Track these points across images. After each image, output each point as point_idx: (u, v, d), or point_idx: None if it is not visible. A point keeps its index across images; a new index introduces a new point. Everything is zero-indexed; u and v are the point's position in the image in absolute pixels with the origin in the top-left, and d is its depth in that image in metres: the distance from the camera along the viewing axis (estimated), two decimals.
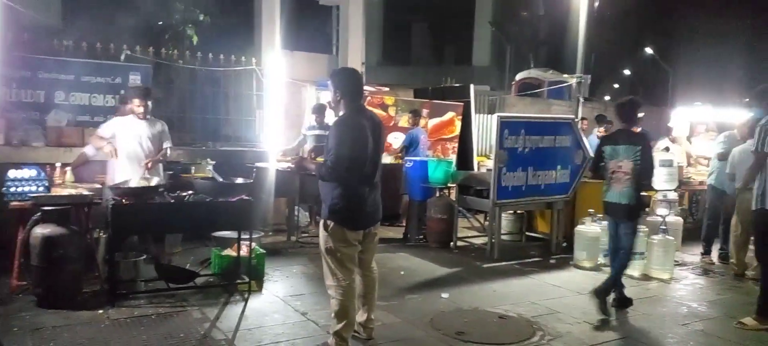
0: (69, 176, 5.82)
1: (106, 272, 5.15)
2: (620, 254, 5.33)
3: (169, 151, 6.08)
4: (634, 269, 6.40)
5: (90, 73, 7.58)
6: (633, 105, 5.44)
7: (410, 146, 8.56)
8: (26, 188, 5.22)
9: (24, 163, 5.59)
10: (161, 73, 8.42)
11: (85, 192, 5.34)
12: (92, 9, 9.28)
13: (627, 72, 29.34)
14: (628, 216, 5.25)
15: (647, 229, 6.63)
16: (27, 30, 7.35)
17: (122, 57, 7.83)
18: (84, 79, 7.55)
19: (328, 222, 3.93)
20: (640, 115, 5.60)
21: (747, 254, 6.66)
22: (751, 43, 20.50)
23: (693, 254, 7.49)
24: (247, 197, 5.39)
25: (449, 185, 7.97)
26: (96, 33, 8.03)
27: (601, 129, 9.51)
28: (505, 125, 6.96)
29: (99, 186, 5.73)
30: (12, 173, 5.26)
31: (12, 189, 5.20)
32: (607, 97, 24.61)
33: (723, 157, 6.93)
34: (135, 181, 5.41)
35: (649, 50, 26.19)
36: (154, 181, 5.47)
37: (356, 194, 3.91)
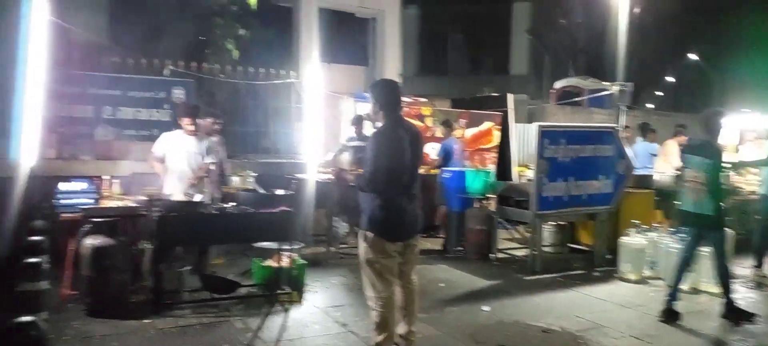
0: (116, 188, 6.00)
1: (152, 282, 5.27)
2: (716, 266, 5.33)
3: (213, 167, 6.22)
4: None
5: (136, 88, 7.80)
6: (715, 116, 5.37)
7: (446, 157, 8.51)
8: (77, 200, 5.41)
9: (74, 176, 5.78)
10: (203, 87, 8.61)
11: (133, 204, 5.49)
12: (138, 27, 9.58)
13: (671, 79, 28.57)
14: (713, 226, 5.22)
15: None
16: (77, 47, 7.62)
17: (166, 72, 8.03)
18: (130, 94, 7.77)
19: (368, 233, 3.93)
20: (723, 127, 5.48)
21: None
22: None
23: (744, 267, 7.21)
24: (287, 208, 5.44)
25: (488, 195, 7.89)
26: (141, 49, 8.28)
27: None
28: (545, 135, 6.87)
29: (145, 198, 5.87)
30: (63, 186, 5.45)
31: (63, 201, 5.39)
32: (650, 105, 24.02)
33: None
34: (178, 195, 5.55)
35: (694, 56, 25.51)
36: (197, 197, 5.58)
37: (395, 205, 3.90)
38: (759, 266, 7.03)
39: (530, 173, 8.06)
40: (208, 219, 5.24)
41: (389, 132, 3.93)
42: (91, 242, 4.93)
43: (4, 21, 6.35)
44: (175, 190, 5.75)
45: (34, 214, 5.20)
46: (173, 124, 7.11)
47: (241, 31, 10.19)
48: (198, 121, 5.98)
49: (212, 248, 6.25)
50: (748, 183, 8.69)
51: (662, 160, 9.69)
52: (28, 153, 5.77)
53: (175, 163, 5.92)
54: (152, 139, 6.51)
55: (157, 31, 9.91)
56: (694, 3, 21.64)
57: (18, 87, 5.91)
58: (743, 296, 6.20)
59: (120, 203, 5.54)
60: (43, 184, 5.75)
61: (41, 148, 6.22)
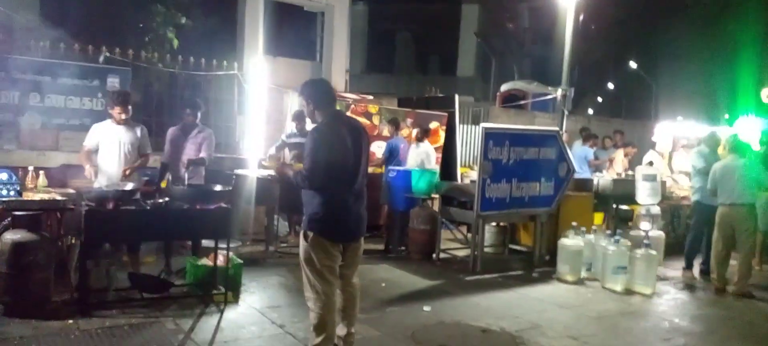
0: (42, 180, 5.66)
1: (77, 280, 4.98)
2: None
3: (150, 158, 5.93)
4: (616, 284, 6.37)
5: (67, 74, 7.40)
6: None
7: (390, 156, 8.46)
8: None
9: None
10: (140, 76, 8.27)
11: (58, 197, 5.19)
12: (72, 9, 9.12)
13: (611, 85, 29.60)
14: None
15: (630, 243, 6.62)
16: (2, 29, 7.17)
17: (101, 59, 7.66)
18: (60, 80, 7.37)
19: (308, 232, 3.82)
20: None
21: (728, 269, 6.67)
22: (733, 59, 20.79)
23: (675, 269, 7.48)
24: (225, 205, 5.26)
25: (433, 195, 7.89)
26: (74, 33, 7.87)
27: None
28: (489, 136, 6.91)
29: (73, 191, 5.56)
30: None
31: None
32: (590, 111, 24.78)
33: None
34: (109, 185, 5.26)
35: (633, 64, 26.47)
36: (130, 185, 5.31)
37: (337, 204, 3.81)
38: (689, 268, 7.30)
39: (473, 174, 8.12)
40: (140, 215, 4.99)
41: (327, 128, 3.85)
42: (10, 236, 4.61)
43: None
44: (107, 182, 5.45)
45: None
46: (106, 114, 6.77)
47: (183, 20, 9.87)
48: (128, 108, 5.62)
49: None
50: (680, 188, 9.04)
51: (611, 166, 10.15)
52: None
53: (107, 154, 5.62)
54: (84, 129, 6.18)
55: (93, 15, 9.48)
56: (633, 13, 22.45)
57: None
58: (673, 297, 6.42)
59: (45, 196, 5.22)
60: None
61: None
